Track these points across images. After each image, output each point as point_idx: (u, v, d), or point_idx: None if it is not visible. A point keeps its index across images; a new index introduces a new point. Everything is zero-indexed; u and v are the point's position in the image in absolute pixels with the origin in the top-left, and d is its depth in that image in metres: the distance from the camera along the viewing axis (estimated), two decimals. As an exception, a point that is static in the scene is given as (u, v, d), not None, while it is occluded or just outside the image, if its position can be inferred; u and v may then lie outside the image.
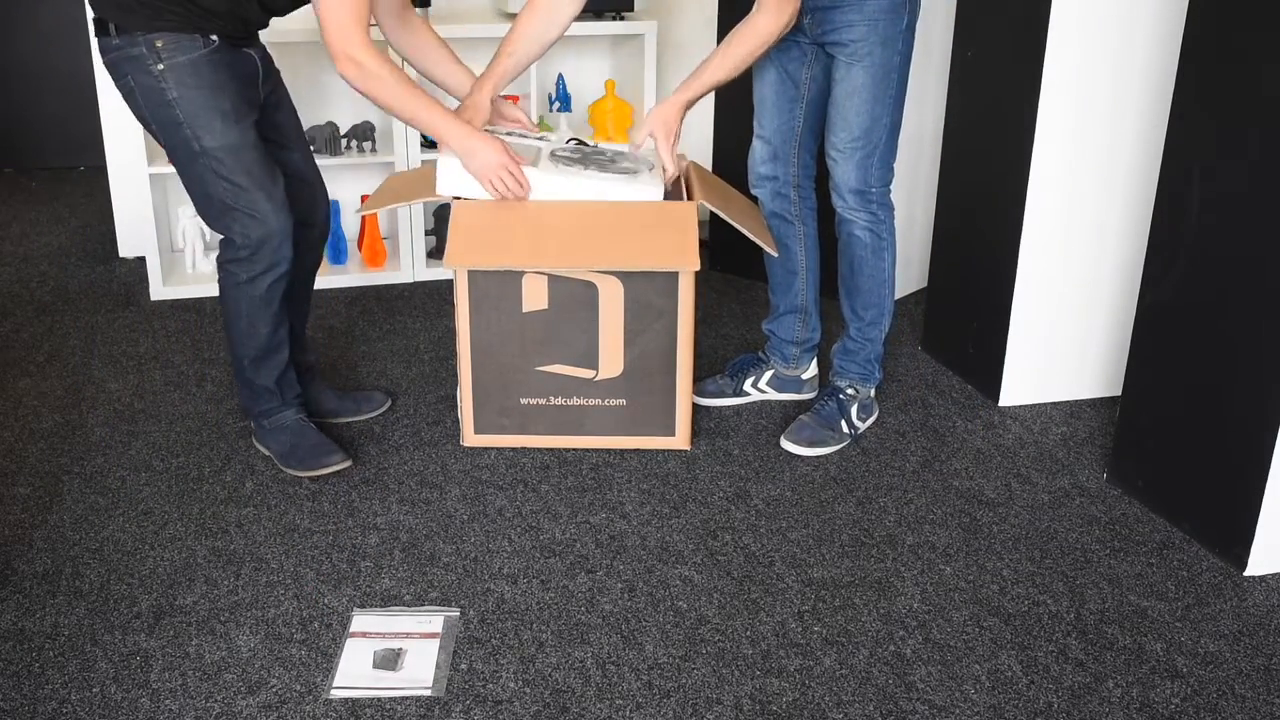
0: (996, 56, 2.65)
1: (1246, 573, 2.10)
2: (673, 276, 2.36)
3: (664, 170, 2.41)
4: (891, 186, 2.49)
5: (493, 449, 2.50)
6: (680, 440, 2.51)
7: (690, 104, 2.40)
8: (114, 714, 1.71)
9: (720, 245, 3.63)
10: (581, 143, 2.58)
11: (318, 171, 2.48)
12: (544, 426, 2.49)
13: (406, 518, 2.25)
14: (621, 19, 3.67)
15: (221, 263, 2.30)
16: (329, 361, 2.97)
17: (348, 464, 2.39)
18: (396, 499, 2.32)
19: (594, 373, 2.45)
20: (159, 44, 2.11)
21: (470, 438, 2.51)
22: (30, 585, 2.02)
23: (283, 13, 2.28)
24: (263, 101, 2.31)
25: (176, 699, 1.75)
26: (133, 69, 2.14)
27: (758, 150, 2.60)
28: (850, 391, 2.59)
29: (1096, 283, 2.71)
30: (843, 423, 2.56)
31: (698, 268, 2.34)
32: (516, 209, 2.35)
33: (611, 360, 2.44)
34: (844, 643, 1.90)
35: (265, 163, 2.23)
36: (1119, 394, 2.43)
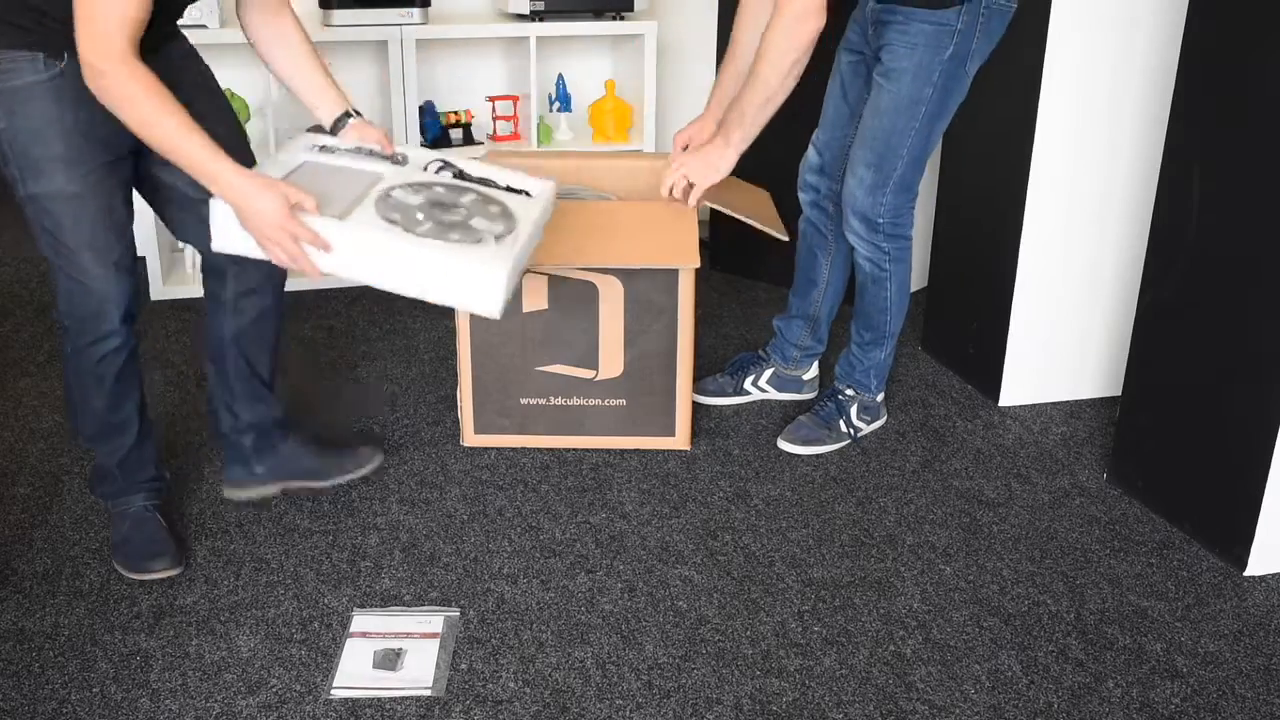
0: (996, 57, 2.64)
1: (1246, 573, 2.10)
2: (673, 275, 2.36)
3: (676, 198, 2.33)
4: (907, 222, 2.39)
5: (493, 449, 2.50)
6: (680, 440, 2.51)
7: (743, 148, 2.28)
8: (114, 714, 1.71)
9: (720, 245, 3.63)
10: (458, 173, 2.03)
11: None
12: (544, 426, 2.49)
13: (406, 518, 2.25)
14: (621, 19, 3.67)
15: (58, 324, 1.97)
16: (329, 361, 2.97)
17: (176, 571, 2.04)
18: (396, 499, 2.32)
19: (594, 373, 2.45)
20: None
21: (470, 438, 2.51)
22: (30, 585, 2.02)
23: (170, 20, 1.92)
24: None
25: (176, 699, 1.75)
26: None
27: (809, 157, 2.56)
28: (849, 393, 2.58)
29: (1096, 283, 2.72)
30: (841, 422, 2.56)
31: (698, 265, 2.33)
32: None
33: (611, 360, 2.44)
34: (844, 643, 1.90)
35: (106, 218, 1.84)
36: (1119, 394, 2.43)
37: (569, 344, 2.42)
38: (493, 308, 1.75)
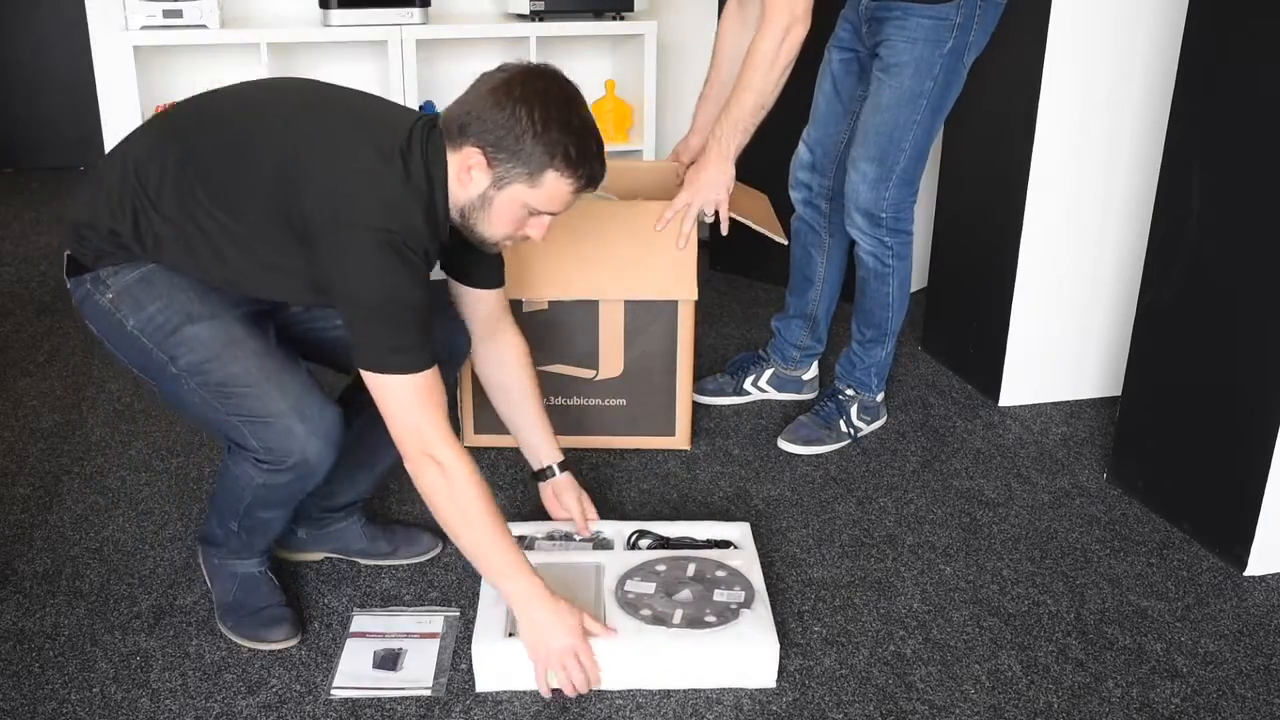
0: (996, 57, 2.64)
1: (1246, 573, 2.10)
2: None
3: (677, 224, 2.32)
4: (909, 216, 2.40)
5: (493, 449, 2.50)
6: (680, 440, 2.50)
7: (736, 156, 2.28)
8: (114, 714, 1.71)
9: (720, 245, 3.63)
10: (659, 541, 2.03)
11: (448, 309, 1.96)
12: None
13: (407, 518, 2.25)
14: (621, 19, 3.67)
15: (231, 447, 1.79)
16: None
17: (292, 643, 1.87)
18: (396, 499, 2.32)
19: (594, 373, 2.45)
20: (104, 273, 1.70)
21: (470, 438, 2.50)
22: (30, 585, 2.02)
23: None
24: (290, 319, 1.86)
25: (176, 699, 1.75)
26: (89, 311, 1.74)
27: (800, 155, 2.58)
28: (849, 393, 2.58)
29: (1096, 283, 2.72)
30: (841, 422, 2.56)
31: (695, 298, 2.35)
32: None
33: (612, 361, 2.44)
34: (844, 643, 1.90)
35: (272, 354, 1.73)
36: (1119, 394, 2.43)
37: (569, 344, 2.42)
38: (769, 679, 1.78)
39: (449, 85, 3.83)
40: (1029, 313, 2.69)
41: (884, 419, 2.66)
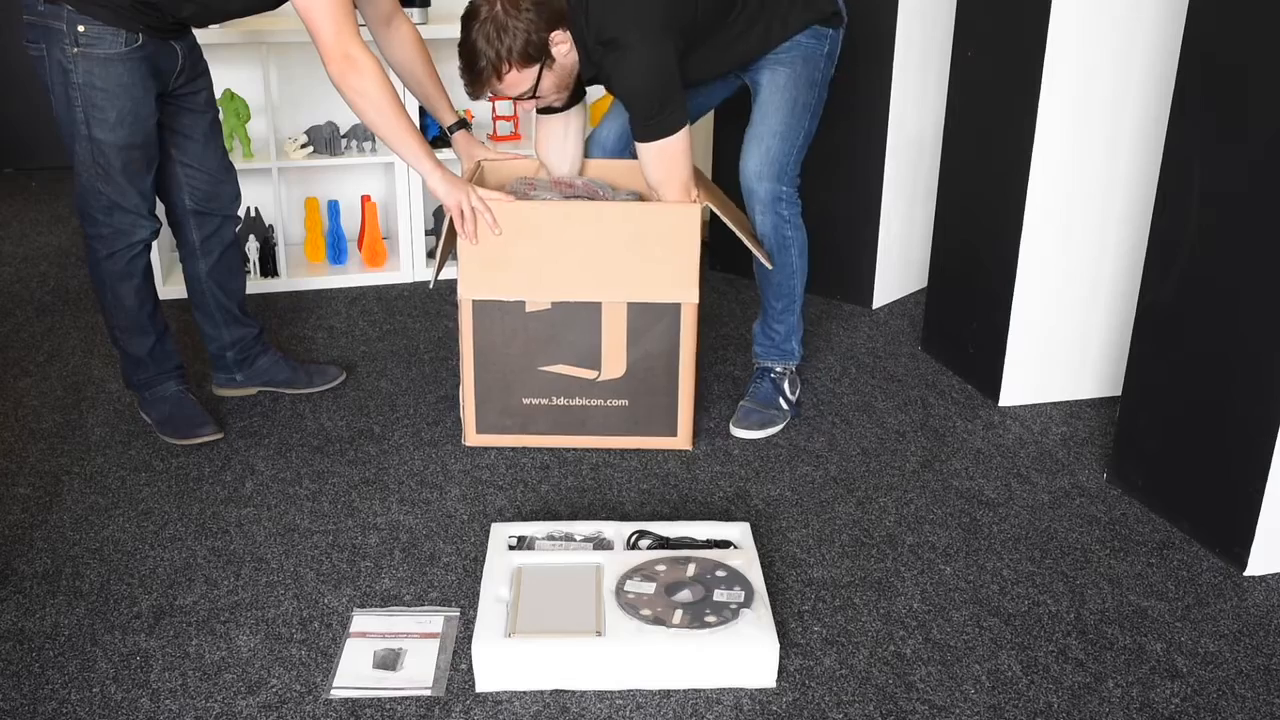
0: (996, 56, 2.65)
1: (1246, 573, 2.10)
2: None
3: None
4: (799, 186, 2.52)
5: (493, 449, 2.50)
6: (683, 440, 2.51)
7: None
8: (114, 714, 1.71)
9: (720, 245, 3.63)
10: (659, 541, 2.06)
11: (221, 161, 2.52)
12: (546, 426, 2.49)
13: (406, 518, 2.25)
14: (621, 19, 3.66)
15: (85, 236, 2.38)
16: (329, 359, 2.97)
17: (219, 435, 2.52)
18: (396, 499, 2.32)
19: (596, 373, 2.45)
20: (81, 29, 2.14)
21: (472, 437, 2.51)
22: (30, 585, 2.02)
23: (220, 20, 2.44)
24: (173, 90, 2.35)
25: (176, 699, 1.75)
26: (48, 40, 2.17)
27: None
28: (779, 370, 2.67)
29: (1096, 283, 2.72)
30: (780, 400, 2.64)
31: (697, 301, 2.38)
32: (523, 239, 2.35)
33: (614, 361, 2.44)
34: (844, 643, 1.90)
35: (145, 159, 2.31)
36: (1119, 394, 2.43)
37: (571, 344, 2.43)
38: (769, 678, 1.79)
39: (448, 85, 3.82)
40: (1029, 313, 2.70)
41: (800, 382, 2.75)
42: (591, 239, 2.35)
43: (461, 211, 2.30)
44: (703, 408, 2.71)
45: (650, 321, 2.41)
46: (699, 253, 2.36)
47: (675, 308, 2.40)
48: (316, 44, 2.16)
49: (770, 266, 2.52)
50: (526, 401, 2.47)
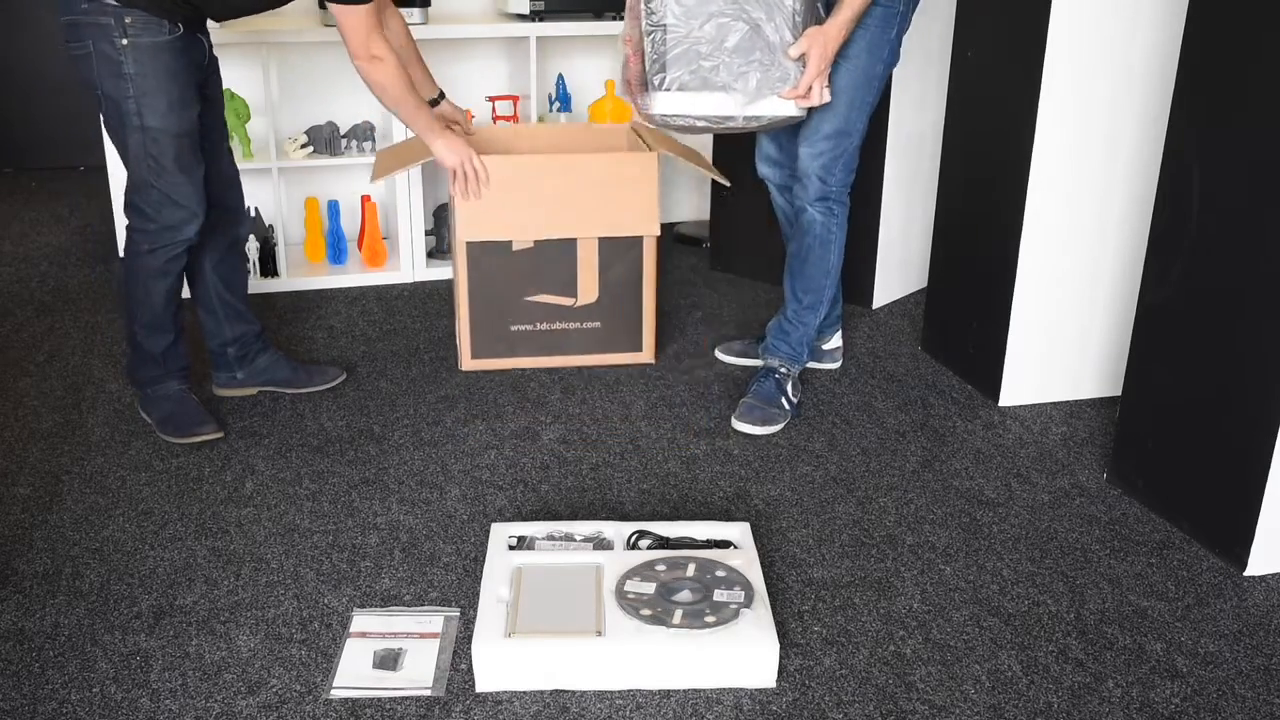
0: (996, 56, 2.65)
1: (1246, 573, 2.10)
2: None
3: (807, 90, 2.34)
4: (850, 188, 2.56)
5: (493, 450, 2.51)
6: (647, 354, 2.94)
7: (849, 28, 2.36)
8: (114, 714, 1.71)
9: (720, 245, 3.63)
10: (659, 540, 2.06)
11: (229, 157, 2.61)
12: (532, 349, 2.90)
13: (406, 518, 2.25)
14: (621, 19, 3.66)
15: (129, 229, 2.42)
16: (328, 359, 2.97)
17: (219, 434, 2.53)
18: (396, 499, 2.32)
19: (573, 300, 2.87)
20: (128, 20, 2.22)
21: (467, 362, 2.88)
22: (30, 585, 2.02)
23: (235, 15, 2.53)
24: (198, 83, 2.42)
25: (176, 699, 1.75)
26: (95, 36, 2.23)
27: (762, 146, 2.74)
28: (784, 370, 2.69)
29: (1096, 283, 2.72)
30: (782, 399, 2.65)
31: (657, 234, 2.85)
32: (510, 189, 2.75)
33: (588, 288, 2.88)
34: (844, 643, 1.90)
35: (194, 150, 2.38)
36: (1119, 394, 2.43)
37: (552, 276, 2.85)
38: (769, 678, 1.78)
39: (449, 85, 3.82)
40: (1029, 313, 2.70)
41: (801, 387, 2.76)
42: (567, 186, 2.77)
43: (464, 172, 2.66)
44: (703, 407, 2.71)
45: (619, 253, 2.83)
46: (657, 193, 2.79)
47: (639, 240, 2.83)
48: (347, 44, 2.38)
49: (727, 184, 2.80)
50: (514, 328, 2.87)
